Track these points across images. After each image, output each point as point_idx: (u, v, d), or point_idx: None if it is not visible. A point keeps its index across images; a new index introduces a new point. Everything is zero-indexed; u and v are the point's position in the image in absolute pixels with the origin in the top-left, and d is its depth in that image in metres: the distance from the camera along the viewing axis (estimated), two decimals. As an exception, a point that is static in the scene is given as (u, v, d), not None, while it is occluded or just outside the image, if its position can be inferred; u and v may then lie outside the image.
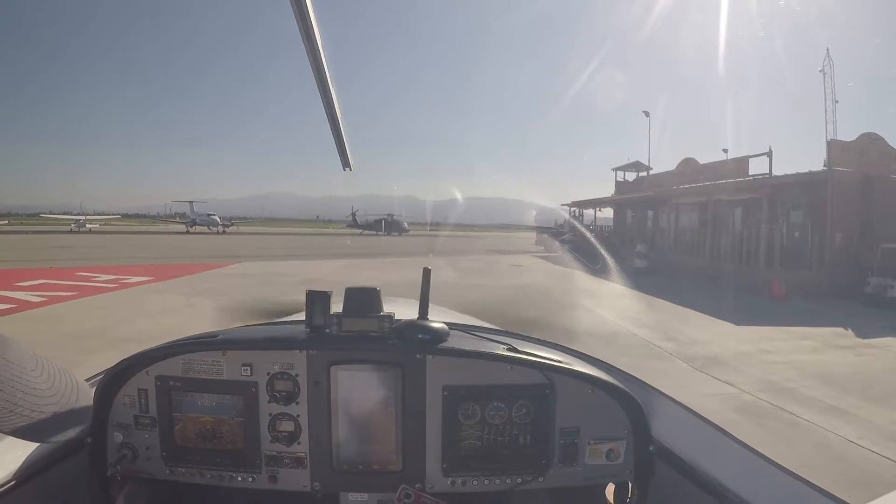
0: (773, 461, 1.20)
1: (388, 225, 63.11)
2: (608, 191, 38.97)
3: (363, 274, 19.02)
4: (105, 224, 66.29)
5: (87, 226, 55.31)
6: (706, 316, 12.55)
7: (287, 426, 1.42)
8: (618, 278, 19.19)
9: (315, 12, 0.98)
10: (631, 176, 37.58)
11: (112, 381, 1.42)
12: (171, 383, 1.42)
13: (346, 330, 1.42)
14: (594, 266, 21.00)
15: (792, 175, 21.45)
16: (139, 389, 1.43)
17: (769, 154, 22.79)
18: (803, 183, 20.21)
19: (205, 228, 58.74)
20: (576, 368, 1.47)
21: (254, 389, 1.42)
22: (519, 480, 1.43)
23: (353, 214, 69.76)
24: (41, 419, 0.76)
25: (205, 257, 24.96)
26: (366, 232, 61.95)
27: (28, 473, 1.22)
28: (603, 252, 25.96)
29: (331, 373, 1.41)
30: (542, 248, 37.26)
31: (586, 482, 1.48)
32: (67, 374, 0.85)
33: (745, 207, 22.79)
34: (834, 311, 13.91)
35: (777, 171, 22.53)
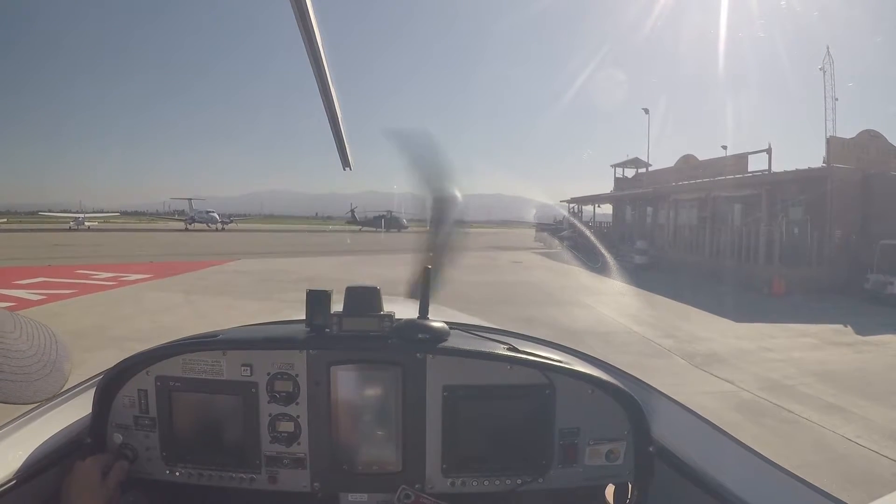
0: (773, 462, 1.20)
1: (388, 222, 63.02)
2: (607, 187, 38.86)
3: (362, 271, 19.03)
4: (104, 222, 66.23)
5: (86, 224, 55.23)
6: (705, 313, 12.57)
7: (287, 426, 1.42)
8: (617, 275, 19.20)
9: (315, 12, 0.97)
10: (630, 172, 37.53)
11: (112, 382, 1.42)
12: (171, 383, 1.42)
13: (347, 329, 1.42)
14: (593, 263, 20.98)
15: (791, 172, 21.41)
16: (139, 390, 1.43)
17: (768, 151, 22.79)
18: (803, 180, 20.19)
19: (203, 226, 58.65)
20: (576, 368, 1.47)
21: (254, 390, 1.42)
22: (518, 481, 1.43)
23: (352, 211, 69.81)
24: (25, 381, 0.74)
25: (204, 255, 24.96)
26: (365, 229, 61.94)
27: (28, 473, 1.22)
28: (602, 249, 25.92)
29: (331, 373, 1.41)
30: (542, 244, 37.26)
31: (586, 483, 1.47)
32: (44, 328, 0.83)
33: (745, 204, 22.77)
34: (833, 308, 13.93)
35: (776, 168, 22.58)
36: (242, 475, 1.43)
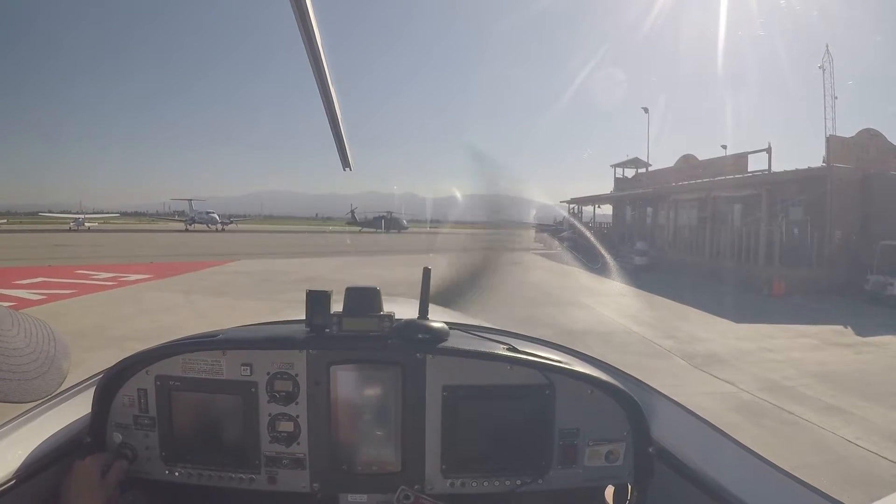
0: (773, 463, 1.20)
1: (388, 222, 63.10)
2: (607, 187, 38.90)
3: (362, 272, 19.04)
4: (104, 222, 66.19)
5: (86, 224, 55.23)
6: (705, 313, 12.56)
7: (286, 426, 1.42)
8: (617, 276, 19.17)
9: (315, 12, 0.97)
10: (630, 173, 37.55)
11: (111, 381, 1.42)
12: (171, 383, 1.42)
13: (347, 329, 1.42)
14: (593, 264, 20.97)
15: (791, 171, 21.40)
16: (139, 389, 1.43)
17: (768, 150, 22.79)
18: (802, 179, 20.16)
19: (203, 227, 58.68)
20: (576, 369, 1.46)
21: (253, 389, 1.42)
22: (518, 482, 1.43)
23: (353, 212, 69.86)
24: (23, 379, 0.72)
25: (204, 255, 24.95)
26: (365, 229, 61.97)
27: (28, 472, 1.22)
28: (602, 249, 25.89)
29: (331, 372, 1.41)
30: (542, 245, 37.24)
31: (585, 484, 1.47)
32: (42, 326, 0.81)
33: (745, 204, 22.76)
34: (833, 309, 13.91)
35: (776, 168, 22.58)
36: (242, 475, 1.43)
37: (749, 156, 24.28)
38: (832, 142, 21.05)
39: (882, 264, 15.74)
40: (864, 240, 17.59)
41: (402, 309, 1.58)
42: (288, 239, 44.32)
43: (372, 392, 1.43)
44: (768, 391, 6.97)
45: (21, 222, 69.22)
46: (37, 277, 15.25)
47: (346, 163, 1.50)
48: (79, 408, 1.44)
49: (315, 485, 1.43)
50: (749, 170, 23.94)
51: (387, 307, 1.47)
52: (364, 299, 1.46)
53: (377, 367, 1.43)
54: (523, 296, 14.41)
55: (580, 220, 40.47)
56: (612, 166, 38.37)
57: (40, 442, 1.29)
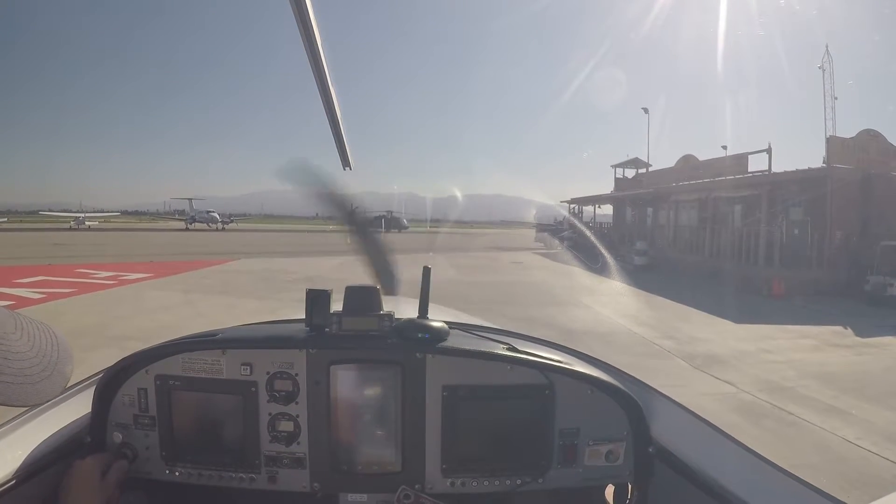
0: (773, 463, 1.20)
1: (388, 222, 63.09)
2: (607, 188, 38.99)
3: (362, 271, 18.99)
4: (104, 221, 66.29)
5: (87, 223, 55.30)
6: (705, 314, 12.55)
7: (286, 426, 1.42)
8: (617, 276, 19.18)
9: (315, 12, 0.97)
10: (630, 173, 37.58)
11: (111, 381, 1.42)
12: (171, 382, 1.42)
13: (346, 329, 1.42)
14: (593, 264, 20.98)
15: (791, 172, 21.39)
16: (139, 389, 1.42)
17: (768, 151, 22.76)
18: (802, 180, 20.16)
19: (204, 226, 58.75)
20: (576, 369, 1.47)
21: (253, 389, 1.42)
22: (518, 481, 1.43)
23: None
24: (26, 383, 0.72)
25: (204, 254, 24.97)
26: (365, 229, 61.89)
27: (28, 472, 1.22)
28: (602, 249, 25.91)
29: (330, 372, 1.41)
30: (542, 245, 37.24)
31: (585, 483, 1.47)
32: (46, 329, 0.81)
33: (745, 204, 22.74)
34: (833, 310, 13.91)
35: (776, 168, 22.54)
36: (242, 475, 1.42)
37: (749, 156, 24.26)
38: (832, 142, 21.04)
39: (882, 265, 15.71)
40: (864, 240, 17.57)
41: (402, 308, 1.59)
42: (288, 238, 44.32)
43: (372, 391, 1.43)
44: (768, 392, 6.97)
45: (21, 221, 69.23)
46: (37, 276, 15.25)
47: (346, 163, 1.50)
48: (79, 408, 1.44)
49: (315, 484, 1.43)
50: (749, 170, 23.92)
51: (387, 306, 1.47)
52: (364, 298, 1.46)
53: (377, 366, 1.43)
54: (523, 296, 14.42)
55: (580, 220, 40.53)
56: (612, 166, 38.46)
57: (40, 442, 1.29)
